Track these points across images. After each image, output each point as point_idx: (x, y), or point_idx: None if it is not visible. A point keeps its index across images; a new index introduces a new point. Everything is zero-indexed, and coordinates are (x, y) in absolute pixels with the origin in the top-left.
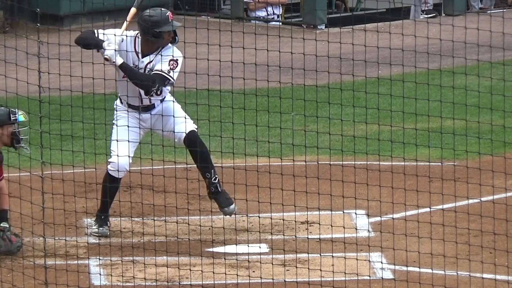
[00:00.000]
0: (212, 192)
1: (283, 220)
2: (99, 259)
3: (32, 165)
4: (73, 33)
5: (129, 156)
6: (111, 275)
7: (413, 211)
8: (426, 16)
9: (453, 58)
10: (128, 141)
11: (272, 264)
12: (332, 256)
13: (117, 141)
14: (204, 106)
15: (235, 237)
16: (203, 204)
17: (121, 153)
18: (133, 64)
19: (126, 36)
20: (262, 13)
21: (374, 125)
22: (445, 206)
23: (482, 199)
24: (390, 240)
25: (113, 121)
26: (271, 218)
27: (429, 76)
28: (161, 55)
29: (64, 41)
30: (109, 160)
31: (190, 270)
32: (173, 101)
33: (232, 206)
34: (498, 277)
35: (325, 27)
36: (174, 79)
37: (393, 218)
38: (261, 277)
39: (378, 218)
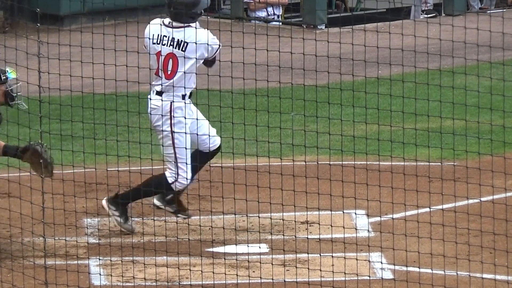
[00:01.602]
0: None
1: (283, 220)
2: (99, 259)
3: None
4: (73, 33)
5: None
6: (111, 275)
7: (413, 211)
8: (426, 16)
9: (452, 58)
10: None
11: (272, 264)
12: (332, 256)
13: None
14: (204, 106)
15: (235, 237)
16: (203, 204)
17: (188, 170)
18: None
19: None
20: (262, 13)
21: (374, 125)
22: (445, 206)
23: (482, 199)
24: (390, 240)
25: (175, 128)
26: (271, 218)
27: (429, 76)
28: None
29: (64, 41)
30: (180, 173)
31: (190, 270)
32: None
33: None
34: (498, 277)
35: (325, 27)
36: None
37: (393, 218)
38: (261, 277)
39: (378, 218)
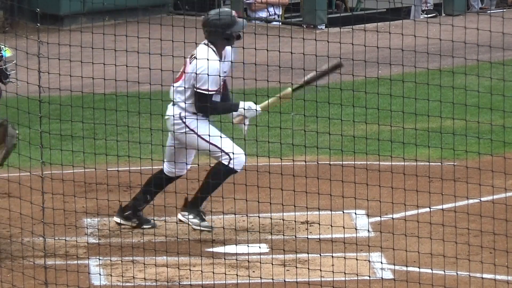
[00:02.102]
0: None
1: (283, 220)
2: (99, 259)
3: (32, 165)
4: (73, 33)
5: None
6: (111, 275)
7: (413, 211)
8: (426, 16)
9: (452, 58)
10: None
11: (272, 264)
12: (332, 256)
13: (221, 137)
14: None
15: (235, 237)
16: (203, 204)
17: (237, 150)
18: (222, 75)
19: (211, 57)
20: (263, 14)
21: (374, 125)
22: (445, 206)
23: (482, 199)
24: (390, 240)
25: (198, 131)
26: (271, 218)
27: (429, 76)
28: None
29: (64, 41)
30: (232, 157)
31: (190, 270)
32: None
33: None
34: (498, 277)
35: (325, 27)
36: None
37: (393, 218)
38: (261, 277)
39: (378, 218)
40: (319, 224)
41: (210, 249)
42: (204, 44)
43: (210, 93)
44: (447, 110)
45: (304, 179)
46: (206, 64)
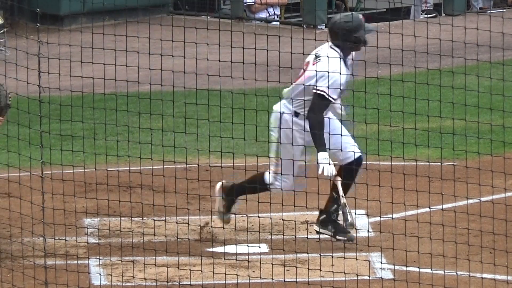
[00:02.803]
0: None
1: (283, 220)
2: (99, 259)
3: (32, 165)
4: (73, 33)
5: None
6: (111, 275)
7: (413, 211)
8: (426, 16)
9: (452, 58)
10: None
11: (272, 264)
12: (332, 256)
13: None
14: (204, 106)
15: (235, 237)
16: (203, 204)
17: (289, 173)
18: (345, 81)
19: (335, 61)
20: (263, 15)
21: (373, 125)
22: (445, 206)
23: (482, 199)
24: (390, 240)
25: (286, 139)
26: (271, 218)
27: (429, 76)
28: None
29: (64, 41)
30: (279, 178)
31: (190, 270)
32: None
33: (351, 235)
34: (498, 277)
35: (325, 27)
36: None
37: (392, 218)
38: (260, 277)
39: (377, 218)
40: (313, 224)
41: (210, 249)
42: (330, 47)
43: (329, 98)
44: (447, 110)
45: (304, 179)
46: (332, 67)
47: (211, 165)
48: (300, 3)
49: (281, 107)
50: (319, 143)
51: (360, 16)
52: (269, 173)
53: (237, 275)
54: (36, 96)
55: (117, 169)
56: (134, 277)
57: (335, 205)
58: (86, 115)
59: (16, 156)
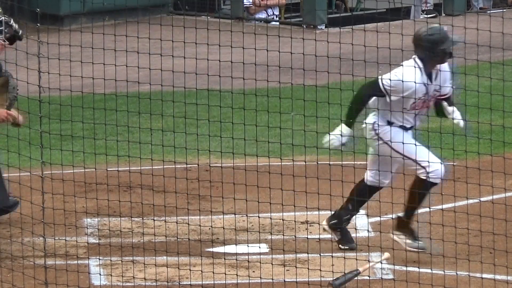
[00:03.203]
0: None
1: (283, 220)
2: (99, 259)
3: (32, 165)
4: (73, 33)
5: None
6: (111, 275)
7: None
8: (426, 16)
9: (452, 58)
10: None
11: (272, 264)
12: (332, 256)
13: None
14: (204, 106)
15: (235, 237)
16: (203, 204)
17: (433, 160)
18: (422, 93)
19: (409, 69)
20: (262, 15)
21: None
22: (445, 206)
23: (482, 199)
24: (390, 240)
25: (387, 139)
26: (271, 218)
27: None
28: (443, 71)
29: (64, 41)
30: (428, 170)
31: (190, 270)
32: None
33: (353, 245)
34: (498, 277)
35: (325, 27)
36: None
37: (392, 218)
38: (260, 277)
39: (377, 218)
40: (319, 224)
41: (210, 249)
42: (414, 58)
43: (382, 88)
44: None
45: (304, 179)
46: (405, 74)
47: (211, 165)
48: (300, 3)
49: (371, 118)
50: (347, 115)
51: (445, 28)
52: (421, 172)
53: (237, 275)
54: (36, 96)
55: (117, 169)
56: (134, 277)
57: (349, 215)
58: (86, 115)
59: (16, 156)
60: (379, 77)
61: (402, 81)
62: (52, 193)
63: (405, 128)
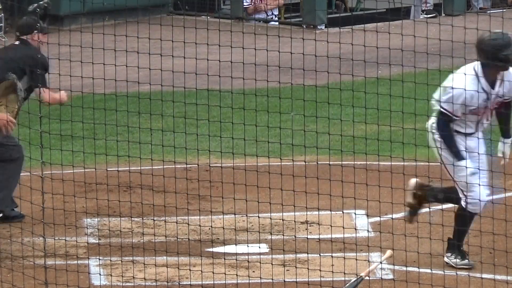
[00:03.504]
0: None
1: (283, 220)
2: (99, 259)
3: (32, 165)
4: (73, 33)
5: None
6: (111, 275)
7: None
8: (426, 16)
9: (452, 58)
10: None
11: (272, 264)
12: (332, 256)
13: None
14: (204, 106)
15: (235, 237)
16: (203, 204)
17: (475, 192)
18: (481, 99)
19: (463, 77)
20: (261, 16)
21: (373, 125)
22: (445, 206)
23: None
24: (390, 240)
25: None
26: (271, 218)
27: (429, 76)
28: (507, 80)
29: (64, 41)
30: (467, 200)
31: (190, 270)
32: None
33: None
34: (498, 277)
35: (325, 27)
36: None
37: (392, 218)
38: (260, 277)
39: (377, 218)
40: (319, 224)
41: (210, 249)
42: (475, 65)
43: (452, 116)
44: None
45: (304, 179)
46: (458, 83)
47: (211, 165)
48: (300, 3)
49: (432, 127)
50: (454, 155)
51: (510, 34)
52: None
53: (237, 275)
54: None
55: (117, 169)
56: (134, 277)
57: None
58: (86, 115)
59: None
60: (439, 105)
61: (453, 93)
62: (52, 193)
63: (467, 134)
